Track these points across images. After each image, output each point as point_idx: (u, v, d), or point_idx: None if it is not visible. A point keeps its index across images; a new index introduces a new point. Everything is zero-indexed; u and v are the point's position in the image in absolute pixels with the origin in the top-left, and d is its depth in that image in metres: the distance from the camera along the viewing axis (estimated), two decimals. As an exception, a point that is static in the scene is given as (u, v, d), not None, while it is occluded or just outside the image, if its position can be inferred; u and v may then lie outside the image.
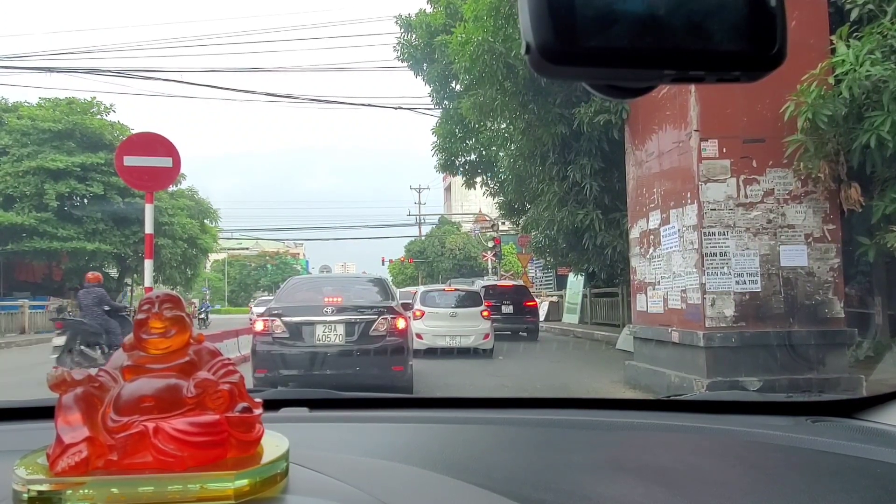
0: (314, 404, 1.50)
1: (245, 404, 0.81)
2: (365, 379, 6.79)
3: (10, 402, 1.52)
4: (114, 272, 29.24)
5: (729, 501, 0.94)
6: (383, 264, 45.01)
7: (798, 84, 6.11)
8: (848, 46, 5.85)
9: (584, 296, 19.92)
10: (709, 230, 6.63)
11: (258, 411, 0.82)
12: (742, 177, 6.67)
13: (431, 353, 11.26)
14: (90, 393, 0.79)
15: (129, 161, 6.43)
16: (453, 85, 14.76)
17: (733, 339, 6.45)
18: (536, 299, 18.61)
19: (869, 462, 1.06)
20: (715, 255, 6.61)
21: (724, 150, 6.68)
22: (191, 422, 0.77)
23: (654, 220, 7.75)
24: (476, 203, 42.35)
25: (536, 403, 1.67)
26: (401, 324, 7.00)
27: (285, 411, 1.41)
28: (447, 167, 17.01)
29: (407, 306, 9.92)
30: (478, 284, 17.53)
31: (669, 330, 7.19)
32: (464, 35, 10.29)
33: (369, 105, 41.59)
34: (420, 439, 1.31)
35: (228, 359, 0.90)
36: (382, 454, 1.11)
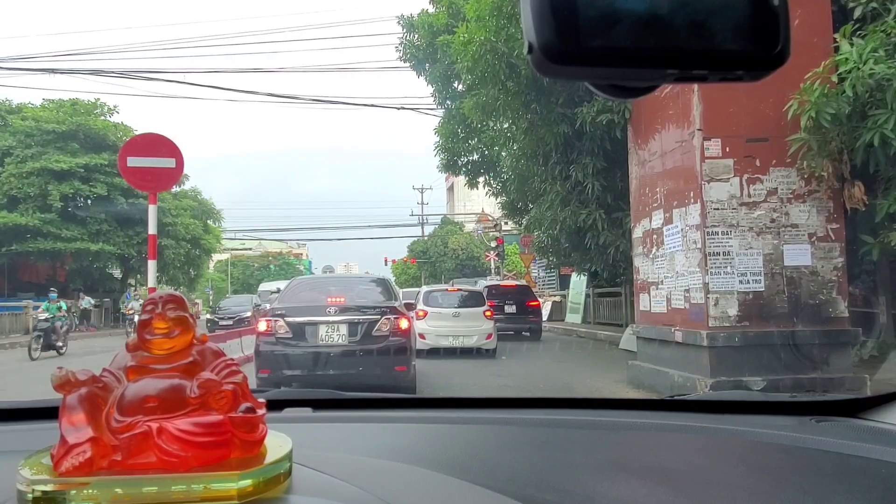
0: (317, 404, 1.50)
1: (248, 404, 0.81)
2: (368, 379, 6.79)
3: (15, 402, 1.52)
4: (117, 273, 29.35)
5: (732, 502, 0.93)
6: (386, 264, 44.99)
7: (801, 83, 6.10)
8: (851, 45, 5.83)
9: (587, 295, 19.90)
10: (712, 229, 6.62)
11: (262, 411, 0.82)
12: (745, 176, 6.66)
13: (434, 353, 11.26)
14: (94, 393, 0.79)
15: (133, 162, 6.43)
16: (456, 85, 14.74)
17: (737, 339, 6.44)
18: (539, 299, 18.60)
19: (873, 462, 1.06)
20: (718, 254, 6.60)
21: (728, 150, 6.67)
22: (194, 422, 0.77)
23: (657, 219, 7.74)
24: (479, 203, 42.32)
25: (539, 403, 1.67)
26: (404, 324, 7.00)
27: (289, 411, 1.41)
28: (450, 167, 17.01)
29: (410, 306, 9.92)
30: (481, 284, 17.52)
31: (673, 330, 7.17)
32: (466, 35, 10.29)
33: (372, 105, 41.60)
34: (423, 439, 1.31)
35: (232, 359, 0.90)
36: (386, 454, 1.11)
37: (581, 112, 9.59)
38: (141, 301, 19.73)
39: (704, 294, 6.58)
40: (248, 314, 22.28)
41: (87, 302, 24.96)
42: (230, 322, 21.34)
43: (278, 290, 11.40)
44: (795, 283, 6.60)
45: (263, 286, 31.26)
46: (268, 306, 21.83)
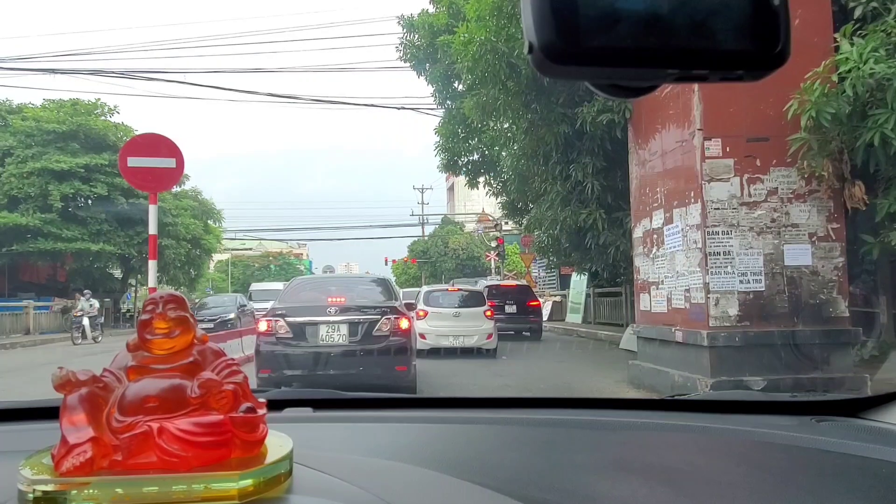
0: (318, 404, 1.50)
1: (249, 404, 0.81)
2: (368, 379, 6.80)
3: (16, 402, 1.52)
4: (118, 273, 29.36)
5: (733, 501, 0.93)
6: (386, 264, 45.05)
7: (802, 82, 6.09)
8: (852, 44, 5.83)
9: (588, 295, 19.90)
10: (712, 229, 6.62)
11: (262, 411, 0.82)
12: (746, 176, 6.66)
13: (435, 353, 11.26)
14: (95, 393, 0.79)
15: (133, 162, 6.43)
16: (456, 85, 14.75)
17: (737, 339, 6.43)
18: (540, 299, 18.60)
19: (874, 462, 1.06)
20: (718, 254, 6.60)
21: (728, 149, 6.67)
22: (195, 422, 0.77)
23: (658, 219, 7.74)
24: (479, 203, 42.32)
25: (540, 403, 1.67)
26: (404, 324, 7.00)
27: (289, 411, 1.41)
28: (450, 167, 17.02)
29: (410, 306, 9.92)
30: (481, 284, 17.51)
31: (673, 329, 7.17)
32: (466, 35, 10.29)
33: (372, 105, 41.79)
34: (424, 439, 1.32)
35: (232, 359, 0.90)
36: (386, 454, 1.11)
37: (581, 112, 9.59)
38: (91, 303, 19.09)
39: (705, 294, 6.58)
40: (232, 316, 20.73)
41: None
42: (211, 325, 19.14)
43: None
44: (796, 282, 6.60)
45: (255, 286, 30.89)
46: (255, 306, 21.45)
